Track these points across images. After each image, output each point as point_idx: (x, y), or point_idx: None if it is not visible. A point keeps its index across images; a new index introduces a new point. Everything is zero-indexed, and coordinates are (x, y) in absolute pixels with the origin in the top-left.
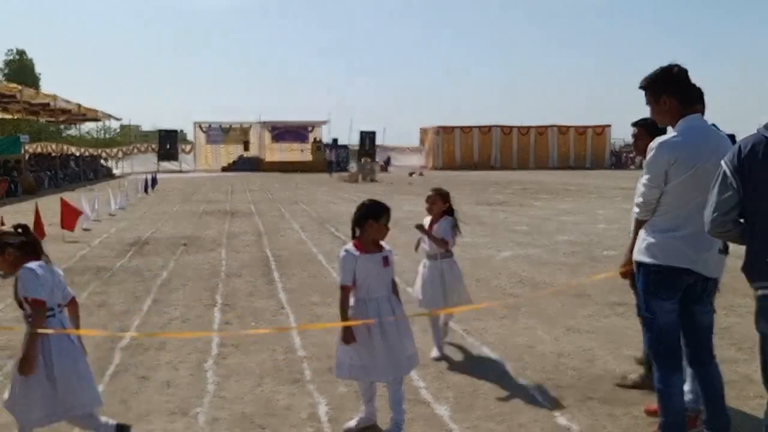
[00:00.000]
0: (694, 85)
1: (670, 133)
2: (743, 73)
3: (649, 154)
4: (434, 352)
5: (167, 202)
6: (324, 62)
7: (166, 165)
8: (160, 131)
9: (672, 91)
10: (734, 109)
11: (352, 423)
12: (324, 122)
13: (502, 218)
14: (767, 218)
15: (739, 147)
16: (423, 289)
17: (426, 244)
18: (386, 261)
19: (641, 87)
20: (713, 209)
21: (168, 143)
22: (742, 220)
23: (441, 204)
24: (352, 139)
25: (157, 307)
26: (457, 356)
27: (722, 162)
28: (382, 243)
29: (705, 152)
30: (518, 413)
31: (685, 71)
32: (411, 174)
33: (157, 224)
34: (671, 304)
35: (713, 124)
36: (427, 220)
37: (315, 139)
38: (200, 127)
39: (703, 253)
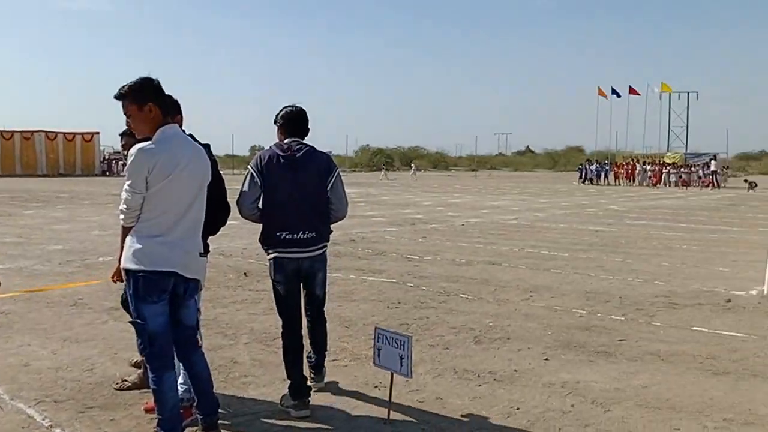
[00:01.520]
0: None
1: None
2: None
3: (129, 160)
4: None
5: None
6: None
7: None
8: None
9: (156, 100)
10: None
11: None
12: None
13: None
14: (276, 206)
15: (260, 156)
16: None
17: None
18: None
19: (120, 96)
20: (245, 199)
21: None
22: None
23: None
24: None
25: None
26: None
27: (249, 166)
28: None
29: (182, 161)
30: None
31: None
32: None
33: None
34: (161, 307)
35: (191, 135)
36: None
37: None
38: None
39: (185, 256)
